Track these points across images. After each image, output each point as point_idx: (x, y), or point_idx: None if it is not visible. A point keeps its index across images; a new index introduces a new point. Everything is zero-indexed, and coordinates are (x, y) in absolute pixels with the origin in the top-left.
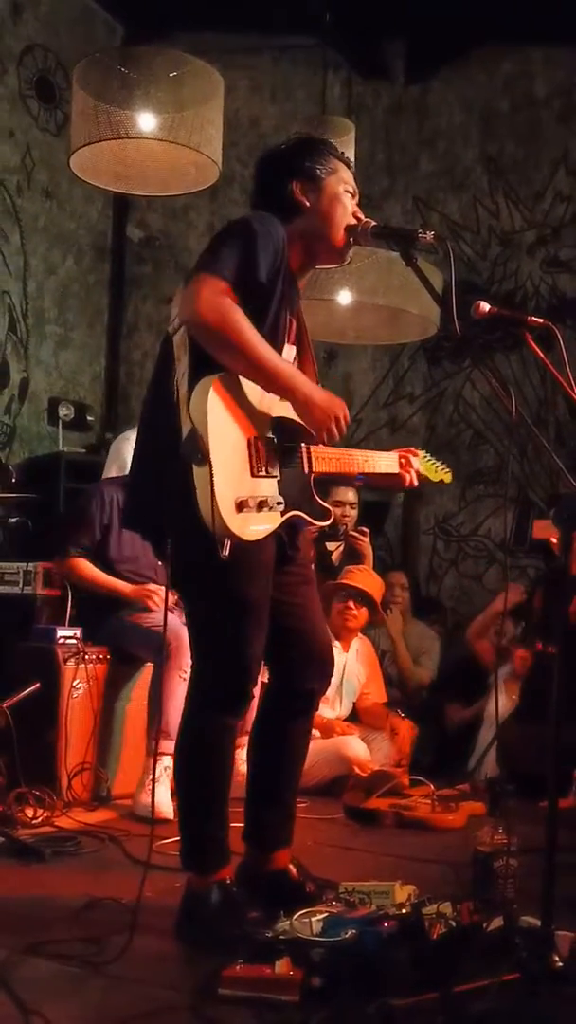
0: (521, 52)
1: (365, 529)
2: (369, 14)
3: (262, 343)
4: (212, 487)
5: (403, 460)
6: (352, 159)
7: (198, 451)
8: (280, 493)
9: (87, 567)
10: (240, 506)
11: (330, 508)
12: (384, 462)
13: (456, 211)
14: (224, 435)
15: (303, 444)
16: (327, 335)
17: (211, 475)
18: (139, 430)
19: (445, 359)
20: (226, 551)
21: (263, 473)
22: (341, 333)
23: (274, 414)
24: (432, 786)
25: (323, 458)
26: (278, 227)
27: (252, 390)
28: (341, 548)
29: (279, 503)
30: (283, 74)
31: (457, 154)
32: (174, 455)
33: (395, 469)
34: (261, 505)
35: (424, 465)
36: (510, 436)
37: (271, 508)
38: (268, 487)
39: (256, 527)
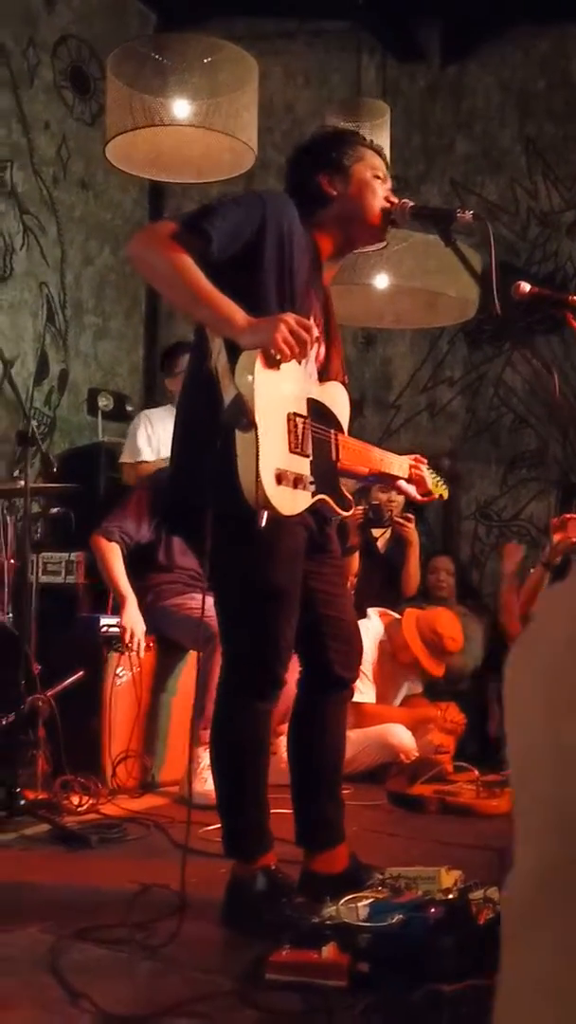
0: (558, 30)
1: (411, 515)
2: None
3: (195, 271)
4: (257, 451)
5: (414, 467)
6: (387, 142)
7: (243, 416)
8: (312, 474)
9: (111, 553)
10: (279, 478)
11: (352, 499)
12: (397, 464)
13: (494, 193)
14: (267, 404)
15: (332, 431)
16: (365, 320)
17: (256, 439)
18: (177, 419)
19: (485, 342)
20: (263, 521)
21: (299, 451)
22: (379, 317)
23: (309, 396)
24: (476, 772)
25: (347, 448)
26: (286, 207)
27: (290, 368)
28: (387, 535)
29: (312, 483)
30: (317, 59)
31: (494, 135)
32: (212, 434)
33: (405, 474)
34: (297, 482)
35: (429, 476)
36: (551, 419)
37: (304, 487)
38: (303, 465)
39: (292, 502)
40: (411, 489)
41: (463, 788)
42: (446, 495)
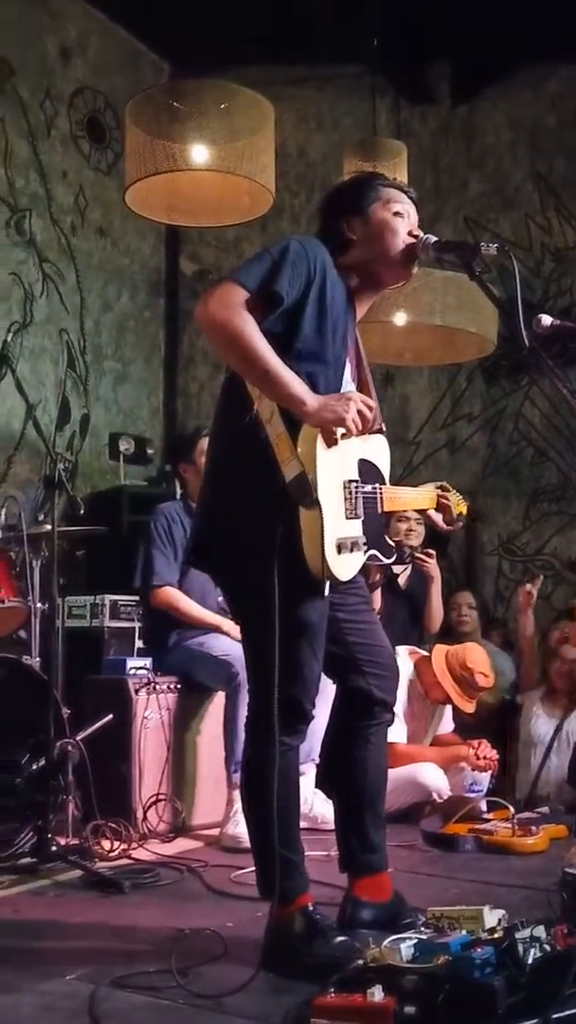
0: (567, 69)
1: (432, 551)
2: (413, 38)
3: (266, 349)
4: (322, 531)
5: (441, 496)
6: (405, 180)
7: (307, 495)
8: (363, 533)
9: (182, 597)
10: (340, 547)
11: (394, 545)
12: (428, 498)
13: (507, 229)
14: (327, 479)
15: (378, 486)
16: (384, 357)
17: (321, 518)
18: (208, 461)
19: (503, 377)
20: (326, 591)
21: (353, 515)
22: (398, 355)
23: (358, 456)
24: (511, 809)
25: (389, 499)
26: (320, 251)
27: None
28: (407, 571)
29: (364, 543)
30: (328, 103)
31: (506, 173)
32: (248, 483)
33: (433, 504)
34: (353, 546)
35: (452, 499)
36: (574, 451)
37: (358, 548)
38: (357, 527)
39: (349, 567)
40: (438, 517)
41: (498, 827)
42: (465, 511)
